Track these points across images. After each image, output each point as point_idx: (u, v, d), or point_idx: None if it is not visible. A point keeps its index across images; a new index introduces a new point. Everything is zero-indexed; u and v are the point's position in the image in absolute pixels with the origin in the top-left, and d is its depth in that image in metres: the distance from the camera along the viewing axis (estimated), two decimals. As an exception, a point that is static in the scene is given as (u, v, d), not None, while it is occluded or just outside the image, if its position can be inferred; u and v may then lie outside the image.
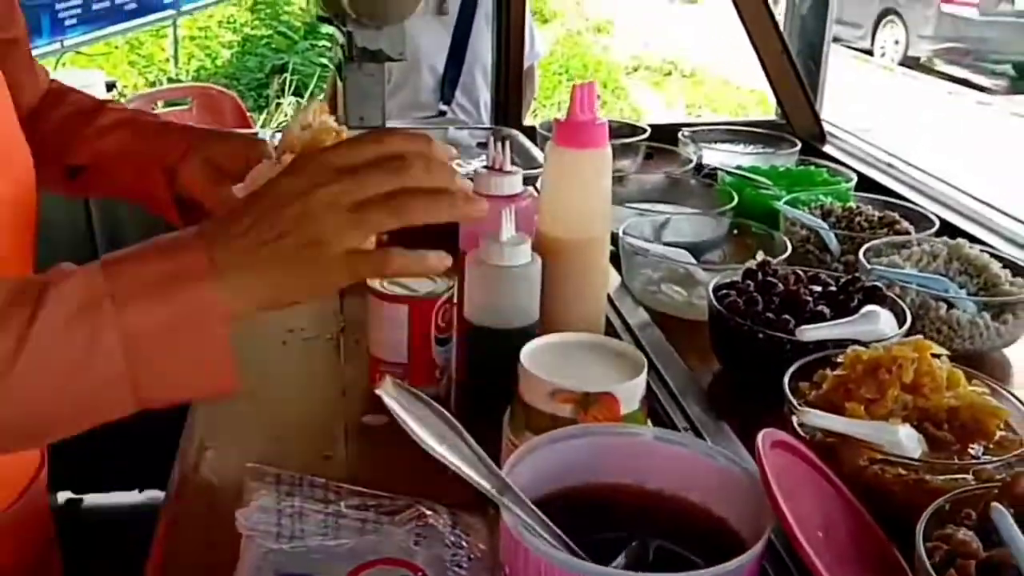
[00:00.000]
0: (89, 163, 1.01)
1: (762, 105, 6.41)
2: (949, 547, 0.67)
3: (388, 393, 0.59)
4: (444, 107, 2.70)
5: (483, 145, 1.73)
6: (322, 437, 0.94)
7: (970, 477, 0.77)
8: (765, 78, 1.90)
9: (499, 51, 1.98)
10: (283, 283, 0.63)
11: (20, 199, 0.83)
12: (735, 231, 1.33)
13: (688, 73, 8.75)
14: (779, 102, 1.92)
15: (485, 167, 0.98)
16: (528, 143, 1.64)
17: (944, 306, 1.08)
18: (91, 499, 1.93)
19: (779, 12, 2.01)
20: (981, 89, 8.74)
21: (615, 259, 1.29)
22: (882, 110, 6.67)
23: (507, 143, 0.97)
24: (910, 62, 9.43)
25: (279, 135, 0.95)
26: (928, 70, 9.33)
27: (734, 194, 1.39)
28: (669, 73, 8.80)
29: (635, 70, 8.84)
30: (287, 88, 6.36)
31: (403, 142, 0.65)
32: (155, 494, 2.25)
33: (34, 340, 0.58)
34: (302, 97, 6.24)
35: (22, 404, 0.61)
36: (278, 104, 6.24)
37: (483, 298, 0.91)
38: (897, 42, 9.65)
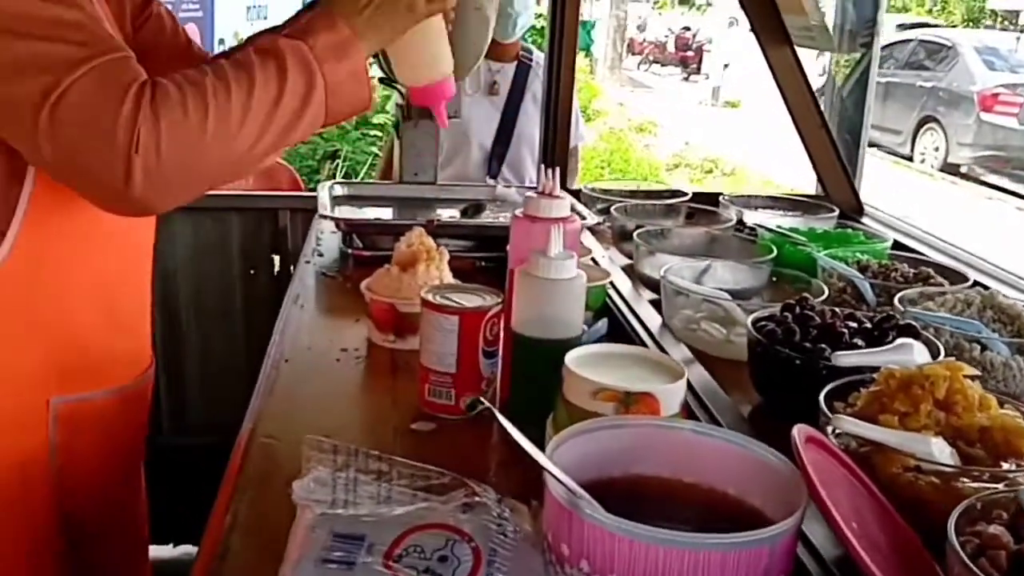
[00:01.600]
0: None
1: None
2: (980, 542, 0.69)
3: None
4: (491, 181, 2.80)
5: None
6: (373, 440, 0.98)
7: (1002, 486, 0.79)
8: (805, 152, 1.97)
9: (547, 129, 2.12)
10: (389, 29, 1.03)
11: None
12: (774, 279, 1.37)
13: (729, 171, 8.87)
14: (818, 175, 1.97)
15: (537, 193, 1.04)
16: (572, 199, 1.72)
17: (978, 348, 1.11)
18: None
19: (821, 97, 2.10)
20: (1022, 197, 8.76)
21: (656, 302, 1.34)
22: (920, 210, 6.70)
23: (557, 170, 1.04)
24: (950, 168, 9.50)
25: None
26: (967, 177, 9.38)
27: (773, 248, 1.43)
28: (710, 171, 8.92)
29: (676, 167, 8.98)
30: (338, 173, 6.57)
31: None
32: (189, 549, 2.27)
33: (288, 95, 0.94)
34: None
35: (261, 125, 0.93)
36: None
37: (530, 310, 0.96)
38: (937, 149, 9.76)
